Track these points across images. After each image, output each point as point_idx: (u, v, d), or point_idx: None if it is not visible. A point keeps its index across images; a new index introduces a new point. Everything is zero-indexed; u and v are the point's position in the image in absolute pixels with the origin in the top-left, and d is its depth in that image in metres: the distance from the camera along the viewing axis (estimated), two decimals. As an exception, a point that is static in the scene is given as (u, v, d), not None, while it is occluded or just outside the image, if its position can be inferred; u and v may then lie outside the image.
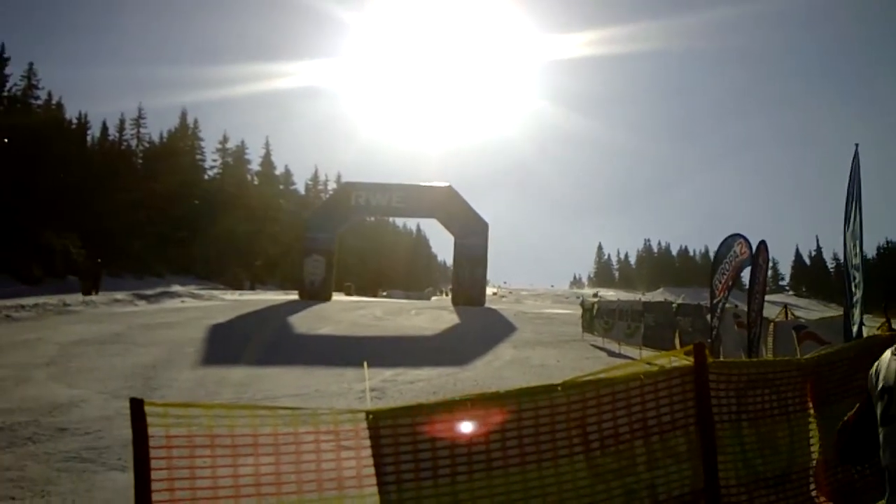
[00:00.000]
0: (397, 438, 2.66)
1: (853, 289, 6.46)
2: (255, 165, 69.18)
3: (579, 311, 22.17)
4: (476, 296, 30.84)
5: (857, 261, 6.37)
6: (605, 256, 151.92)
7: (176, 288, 32.07)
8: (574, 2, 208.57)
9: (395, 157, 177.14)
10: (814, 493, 3.23)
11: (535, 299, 64.84)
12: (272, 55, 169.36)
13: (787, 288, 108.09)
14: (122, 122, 59.02)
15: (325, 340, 16.80)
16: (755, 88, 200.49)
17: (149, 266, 44.77)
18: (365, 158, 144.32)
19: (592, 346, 17.74)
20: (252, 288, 47.24)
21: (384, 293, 54.45)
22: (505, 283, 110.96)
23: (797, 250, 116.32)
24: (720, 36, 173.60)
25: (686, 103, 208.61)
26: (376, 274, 70.45)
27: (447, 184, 33.26)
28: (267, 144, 70.60)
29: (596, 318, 19.35)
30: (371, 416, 2.69)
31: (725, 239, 9.84)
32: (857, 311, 6.43)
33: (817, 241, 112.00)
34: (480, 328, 20.31)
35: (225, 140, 67.10)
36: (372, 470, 2.65)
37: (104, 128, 56.74)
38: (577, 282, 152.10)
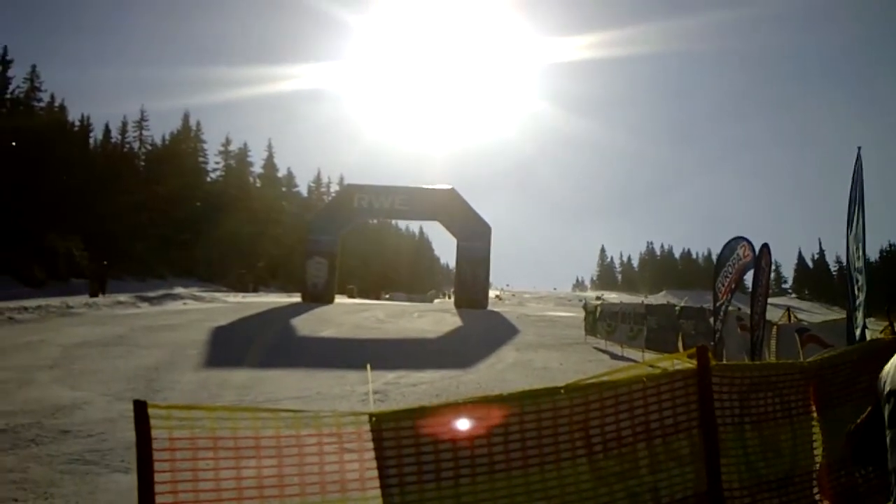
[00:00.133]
0: (400, 441, 2.66)
1: (856, 292, 6.44)
2: (257, 168, 69.56)
3: (582, 314, 22.12)
4: (479, 298, 30.72)
5: (859, 264, 6.35)
6: (608, 259, 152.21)
7: (178, 290, 32.07)
8: (574, 5, 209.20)
9: (398, 160, 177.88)
10: (817, 497, 3.22)
11: (538, 302, 64.86)
12: (275, 58, 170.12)
13: (790, 291, 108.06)
14: (124, 124, 59.45)
15: (328, 343, 16.80)
16: (756, 90, 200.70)
17: (151, 268, 44.89)
18: (368, 161, 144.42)
19: (595, 348, 17.72)
20: (254, 290, 47.26)
21: (387, 296, 54.43)
22: (507, 285, 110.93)
23: (800, 253, 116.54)
24: (720, 38, 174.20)
25: (687, 106, 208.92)
26: (379, 276, 70.43)
27: (450, 186, 33.16)
28: (270, 147, 71.06)
29: (599, 320, 19.34)
30: (374, 419, 2.69)
31: (728, 242, 9.85)
32: (859, 315, 6.41)
33: (820, 243, 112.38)
34: (483, 331, 20.27)
35: (227, 142, 67.45)
36: (375, 472, 2.64)
37: (107, 130, 57.15)
38: (579, 285, 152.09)
